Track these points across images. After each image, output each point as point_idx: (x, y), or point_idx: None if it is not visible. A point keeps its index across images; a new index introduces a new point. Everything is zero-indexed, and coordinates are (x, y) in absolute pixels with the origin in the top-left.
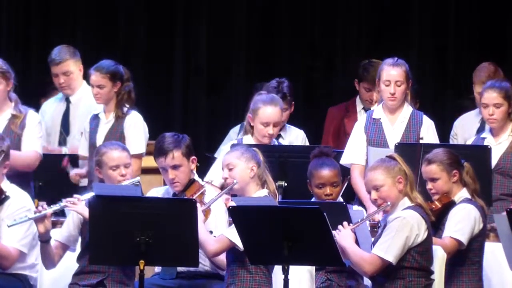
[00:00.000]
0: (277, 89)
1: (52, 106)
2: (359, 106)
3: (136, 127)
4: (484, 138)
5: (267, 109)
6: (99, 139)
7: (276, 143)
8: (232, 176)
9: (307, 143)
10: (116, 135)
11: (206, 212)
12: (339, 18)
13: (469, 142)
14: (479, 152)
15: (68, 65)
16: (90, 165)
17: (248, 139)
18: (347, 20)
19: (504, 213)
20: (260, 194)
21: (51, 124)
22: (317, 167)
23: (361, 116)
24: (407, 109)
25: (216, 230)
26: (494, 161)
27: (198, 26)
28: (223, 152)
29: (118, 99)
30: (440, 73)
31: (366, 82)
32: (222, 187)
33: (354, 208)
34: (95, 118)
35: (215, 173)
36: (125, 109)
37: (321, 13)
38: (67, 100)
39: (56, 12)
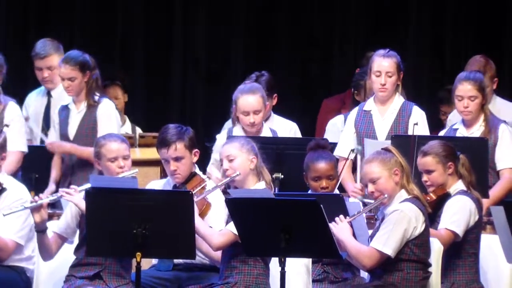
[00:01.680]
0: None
1: (35, 100)
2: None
3: (108, 115)
4: (456, 129)
5: (245, 98)
6: (71, 130)
7: (271, 134)
8: (233, 167)
9: (299, 135)
10: (90, 124)
11: (206, 207)
12: (337, 10)
13: (441, 133)
14: (476, 145)
15: (52, 59)
16: (65, 155)
17: (237, 131)
18: (345, 12)
19: (501, 206)
20: (259, 186)
21: (34, 118)
22: (313, 160)
23: (355, 108)
24: (398, 100)
25: (216, 225)
26: None
27: (196, 16)
28: (218, 145)
29: (88, 88)
30: (437, 67)
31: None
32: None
33: (351, 200)
34: (64, 109)
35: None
36: (96, 97)
37: (319, 5)
38: (49, 94)
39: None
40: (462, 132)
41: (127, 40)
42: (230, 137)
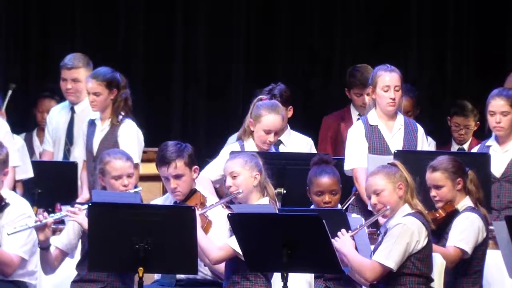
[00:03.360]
0: (269, 92)
1: (59, 115)
2: (354, 113)
3: (130, 136)
4: (489, 146)
5: (270, 117)
6: (95, 145)
7: (273, 150)
8: (236, 184)
9: (314, 151)
10: (110, 143)
11: (207, 225)
12: (337, 24)
13: (474, 150)
14: (479, 159)
15: (78, 72)
16: (88, 170)
17: (251, 143)
18: (345, 27)
19: (503, 221)
20: (262, 202)
21: (56, 133)
22: (316, 175)
23: (357, 123)
24: (400, 116)
25: (218, 241)
26: (501, 169)
27: (197, 32)
28: (225, 152)
29: (115, 106)
30: (438, 79)
31: (355, 87)
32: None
33: (353, 216)
34: (92, 124)
35: (214, 168)
36: (120, 117)
37: (320, 20)
38: (72, 110)
39: (55, 17)
40: (496, 149)
41: (128, 57)
42: (233, 153)
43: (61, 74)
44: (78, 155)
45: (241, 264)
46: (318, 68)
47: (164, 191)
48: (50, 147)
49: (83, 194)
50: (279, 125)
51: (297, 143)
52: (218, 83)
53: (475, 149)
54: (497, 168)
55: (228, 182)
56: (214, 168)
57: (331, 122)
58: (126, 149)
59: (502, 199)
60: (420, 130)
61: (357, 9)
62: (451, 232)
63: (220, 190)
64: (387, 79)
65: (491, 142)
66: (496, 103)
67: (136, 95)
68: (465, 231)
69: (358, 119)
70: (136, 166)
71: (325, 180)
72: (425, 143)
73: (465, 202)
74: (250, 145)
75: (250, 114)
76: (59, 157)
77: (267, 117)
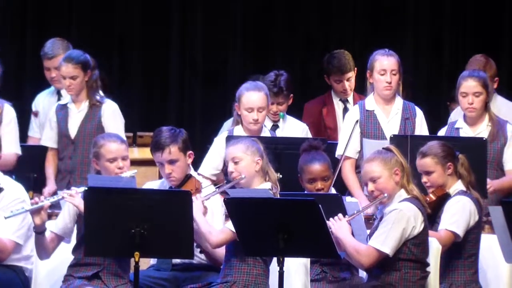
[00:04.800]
0: (274, 83)
1: (45, 100)
2: (335, 98)
3: (114, 115)
4: (459, 128)
5: (250, 95)
6: (72, 129)
7: (269, 135)
8: (239, 170)
9: (310, 136)
10: (93, 124)
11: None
12: (334, 10)
13: (441, 133)
14: (475, 144)
15: (60, 59)
16: (66, 155)
17: (239, 130)
18: (342, 13)
19: (499, 206)
20: (264, 186)
21: (43, 118)
22: (306, 162)
23: (353, 108)
24: (399, 101)
25: (214, 226)
26: None
27: (194, 17)
28: (216, 143)
29: (89, 87)
30: (435, 65)
31: (334, 74)
32: (215, 183)
33: (348, 200)
34: (62, 108)
35: (209, 165)
36: (98, 97)
37: (317, 7)
38: (58, 94)
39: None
40: (466, 131)
41: (124, 45)
42: (233, 138)
43: (44, 63)
44: (46, 143)
45: (239, 246)
46: (315, 56)
47: (160, 176)
48: (38, 133)
49: (49, 186)
50: (261, 102)
51: (293, 128)
52: (215, 70)
53: (442, 131)
54: None
55: (230, 167)
56: (209, 163)
57: (313, 108)
58: (113, 128)
59: None
60: (419, 114)
61: None
62: (443, 215)
63: (218, 178)
64: (385, 63)
65: (460, 124)
66: (468, 84)
67: (133, 82)
68: (456, 214)
69: (341, 100)
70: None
71: (316, 167)
72: (424, 128)
73: (457, 186)
74: (238, 132)
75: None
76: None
77: (246, 95)
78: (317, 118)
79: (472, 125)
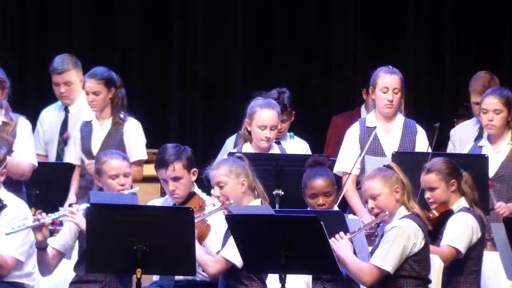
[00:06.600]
0: (278, 100)
1: (51, 115)
2: (363, 115)
3: (136, 133)
4: (481, 147)
5: (264, 112)
6: (95, 146)
7: (279, 150)
8: (224, 194)
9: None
10: (115, 141)
11: (206, 229)
12: (334, 24)
13: (465, 150)
14: (477, 161)
15: (70, 75)
16: (87, 171)
17: (247, 147)
18: (343, 27)
19: (501, 222)
20: (254, 204)
21: (49, 133)
22: (310, 177)
23: (354, 124)
24: (400, 118)
25: (217, 247)
26: (494, 169)
27: (195, 32)
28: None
29: (113, 105)
30: (436, 80)
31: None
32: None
33: (350, 217)
34: (87, 125)
35: None
36: (121, 115)
37: (317, 19)
38: (66, 110)
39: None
40: (488, 149)
41: (126, 58)
42: (218, 162)
43: (52, 78)
44: (70, 160)
45: (236, 270)
46: (315, 68)
47: (162, 193)
48: (42, 150)
49: (70, 199)
50: (274, 121)
51: (293, 147)
52: (216, 83)
53: (467, 150)
54: (489, 169)
55: (216, 192)
56: None
57: (339, 122)
58: (134, 146)
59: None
60: (420, 132)
61: (354, 8)
62: (445, 231)
63: None
64: (387, 80)
65: (483, 142)
66: (490, 101)
67: (134, 96)
68: (459, 230)
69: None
70: (142, 162)
71: (319, 182)
72: (424, 146)
73: (460, 202)
74: (247, 149)
75: (246, 116)
76: (52, 157)
77: (260, 113)
78: (341, 132)
79: (494, 143)
